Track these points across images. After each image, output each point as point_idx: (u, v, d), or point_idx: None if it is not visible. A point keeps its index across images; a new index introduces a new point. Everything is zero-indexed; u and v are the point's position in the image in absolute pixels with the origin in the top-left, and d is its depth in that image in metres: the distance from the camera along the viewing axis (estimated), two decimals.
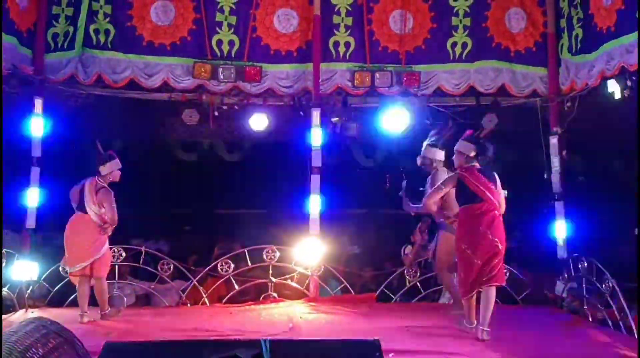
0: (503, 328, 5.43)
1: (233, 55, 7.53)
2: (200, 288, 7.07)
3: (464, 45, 7.60)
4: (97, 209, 5.99)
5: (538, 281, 7.08)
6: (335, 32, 7.61)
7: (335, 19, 7.61)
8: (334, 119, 7.48)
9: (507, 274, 6.44)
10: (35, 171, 7.01)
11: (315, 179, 7.26)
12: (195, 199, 10.04)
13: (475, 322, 5.31)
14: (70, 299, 6.66)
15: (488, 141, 5.38)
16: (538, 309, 6.74)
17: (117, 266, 6.93)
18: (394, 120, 7.61)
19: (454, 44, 7.61)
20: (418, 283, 7.13)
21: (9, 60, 6.57)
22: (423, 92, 7.58)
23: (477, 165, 5.33)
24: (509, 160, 8.23)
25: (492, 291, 5.17)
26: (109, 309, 6.21)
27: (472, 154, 5.31)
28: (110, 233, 6.13)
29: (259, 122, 7.63)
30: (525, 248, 8.04)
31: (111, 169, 6.09)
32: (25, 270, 6.65)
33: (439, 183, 5.50)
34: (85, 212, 6.01)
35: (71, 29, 7.22)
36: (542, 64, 7.55)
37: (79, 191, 6.08)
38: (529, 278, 7.06)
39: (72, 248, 6.04)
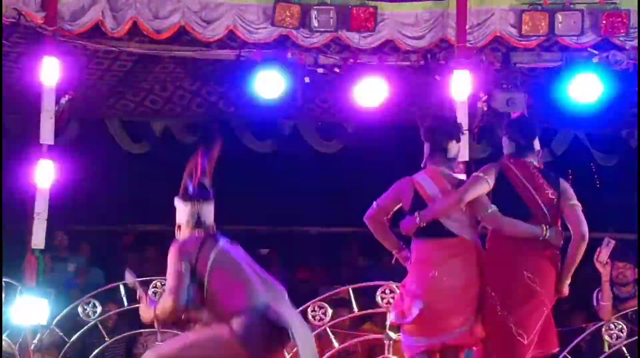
0: None
1: None
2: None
3: None
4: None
5: None
6: None
7: None
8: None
9: None
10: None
11: None
12: (272, 210, 9.97)
13: None
14: (93, 355, 6.38)
15: None
16: None
17: None
18: (586, 88, 6.84)
19: None
20: (624, 348, 6.04)
21: (10, 4, 6.14)
22: (634, 43, 6.68)
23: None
24: None
25: None
26: None
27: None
28: None
29: (371, 92, 6.98)
30: None
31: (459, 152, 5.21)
32: (30, 310, 6.30)
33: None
34: (446, 235, 4.69)
35: None
36: None
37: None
38: None
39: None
